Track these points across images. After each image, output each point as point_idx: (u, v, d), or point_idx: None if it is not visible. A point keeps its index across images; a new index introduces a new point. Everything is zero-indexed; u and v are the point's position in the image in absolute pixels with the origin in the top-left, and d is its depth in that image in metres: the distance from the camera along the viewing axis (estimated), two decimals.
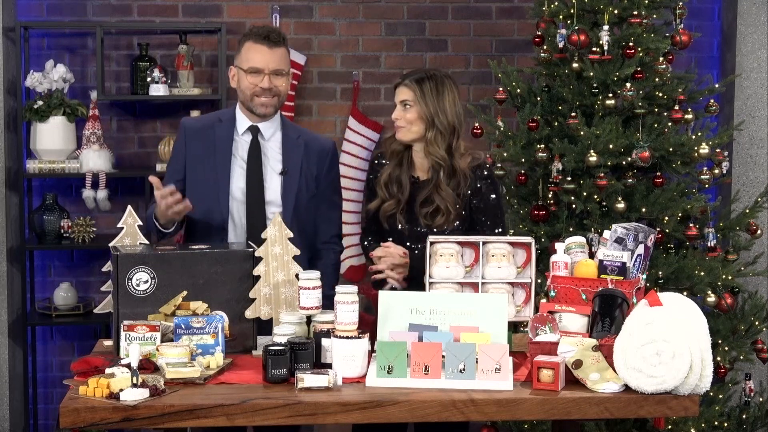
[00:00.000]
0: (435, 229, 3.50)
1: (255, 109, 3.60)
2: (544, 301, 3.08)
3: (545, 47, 4.47)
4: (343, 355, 2.86)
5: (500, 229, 3.56)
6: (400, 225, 3.54)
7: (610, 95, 4.27)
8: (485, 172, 3.58)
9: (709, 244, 4.39)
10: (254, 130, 3.63)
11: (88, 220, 4.96)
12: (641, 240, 3.08)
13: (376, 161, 3.70)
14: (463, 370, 2.79)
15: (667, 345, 2.74)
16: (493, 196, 3.57)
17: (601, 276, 3.04)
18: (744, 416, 4.49)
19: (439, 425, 2.88)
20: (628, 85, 4.20)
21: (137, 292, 3.07)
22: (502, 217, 3.60)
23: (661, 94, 4.35)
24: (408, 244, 3.54)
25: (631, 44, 4.27)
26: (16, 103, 4.93)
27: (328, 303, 3.06)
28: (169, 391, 2.75)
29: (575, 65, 4.31)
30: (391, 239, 3.56)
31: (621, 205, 4.21)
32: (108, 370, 2.78)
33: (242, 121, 3.65)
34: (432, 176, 3.55)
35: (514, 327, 3.28)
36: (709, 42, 5.31)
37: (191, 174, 3.62)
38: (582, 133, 4.23)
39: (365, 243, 3.71)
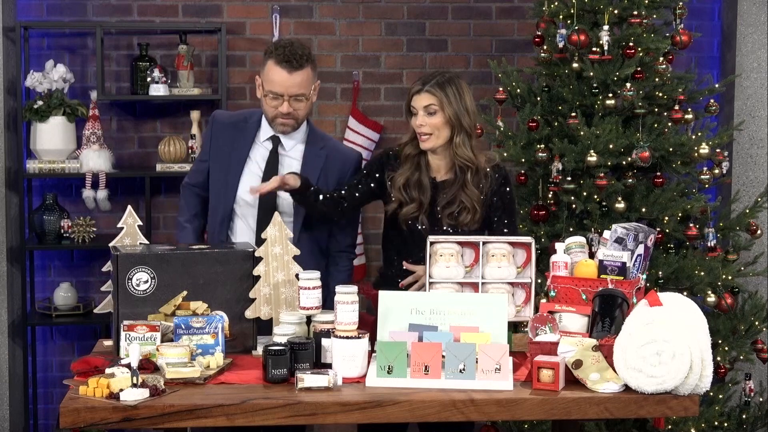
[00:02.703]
0: (459, 229, 3.49)
1: (274, 128, 3.61)
2: (544, 301, 3.08)
3: (545, 47, 4.47)
4: (343, 355, 2.86)
5: (513, 227, 3.57)
6: (422, 227, 3.52)
7: (610, 95, 4.27)
8: (502, 172, 3.58)
9: (709, 244, 4.39)
10: (275, 140, 3.63)
11: (88, 220, 4.96)
12: (641, 240, 3.08)
13: (390, 154, 3.62)
14: (463, 370, 2.79)
15: (667, 345, 2.74)
16: (508, 197, 3.58)
17: (601, 276, 3.04)
18: (744, 416, 4.49)
19: (445, 425, 2.88)
20: (628, 85, 4.20)
21: (137, 292, 3.07)
22: (515, 214, 3.62)
23: (661, 94, 4.35)
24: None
25: (631, 44, 4.27)
26: (16, 103, 4.93)
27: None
28: (169, 391, 2.75)
29: (575, 65, 4.31)
30: (411, 241, 3.54)
31: (621, 205, 4.21)
32: (108, 370, 2.78)
33: (266, 129, 3.65)
34: (457, 176, 3.51)
35: (514, 327, 3.27)
36: (709, 42, 5.31)
37: (212, 166, 3.68)
38: (582, 133, 4.23)
39: (389, 266, 3.63)
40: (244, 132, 3.65)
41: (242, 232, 3.62)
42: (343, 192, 3.58)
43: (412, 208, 3.52)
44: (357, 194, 3.59)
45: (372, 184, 3.61)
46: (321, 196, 3.53)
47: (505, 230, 3.53)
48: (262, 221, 3.55)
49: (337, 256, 3.71)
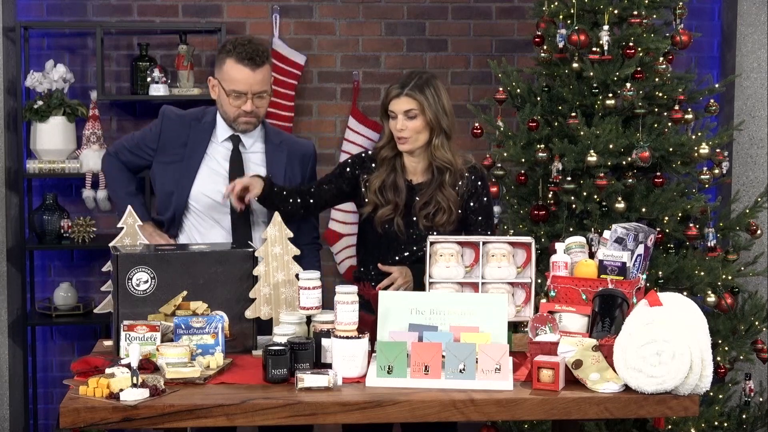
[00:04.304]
0: (434, 230, 3.49)
1: (237, 127, 3.58)
2: (544, 301, 3.08)
3: (545, 47, 4.47)
4: (343, 355, 2.87)
5: (490, 232, 3.57)
6: (398, 228, 3.52)
7: (610, 95, 4.26)
8: (479, 174, 3.59)
9: (709, 244, 4.38)
10: (235, 140, 3.61)
11: (88, 220, 4.96)
12: (641, 240, 3.08)
13: (365, 157, 3.63)
14: (463, 370, 2.79)
15: (667, 345, 2.74)
16: (486, 198, 3.59)
17: (601, 276, 3.04)
18: (744, 416, 4.48)
19: (426, 424, 2.87)
20: (628, 85, 4.20)
21: (137, 292, 3.07)
22: (493, 214, 3.63)
23: (661, 94, 4.35)
24: (404, 248, 3.53)
25: (631, 44, 4.27)
26: (16, 103, 4.93)
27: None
28: (169, 391, 2.75)
29: (575, 65, 4.31)
30: (386, 244, 3.54)
31: (621, 205, 4.21)
32: (108, 370, 2.78)
33: (223, 129, 3.62)
34: (435, 177, 3.52)
35: (514, 327, 3.27)
36: (709, 42, 5.31)
37: (158, 165, 3.63)
38: (582, 133, 4.23)
39: (362, 277, 3.62)
40: (198, 131, 3.60)
41: (214, 232, 3.60)
42: (312, 189, 3.58)
43: (388, 210, 3.52)
44: (324, 192, 3.58)
45: (343, 185, 3.60)
46: (286, 193, 3.52)
47: (484, 231, 3.53)
48: (237, 222, 3.55)
49: (305, 248, 3.65)
